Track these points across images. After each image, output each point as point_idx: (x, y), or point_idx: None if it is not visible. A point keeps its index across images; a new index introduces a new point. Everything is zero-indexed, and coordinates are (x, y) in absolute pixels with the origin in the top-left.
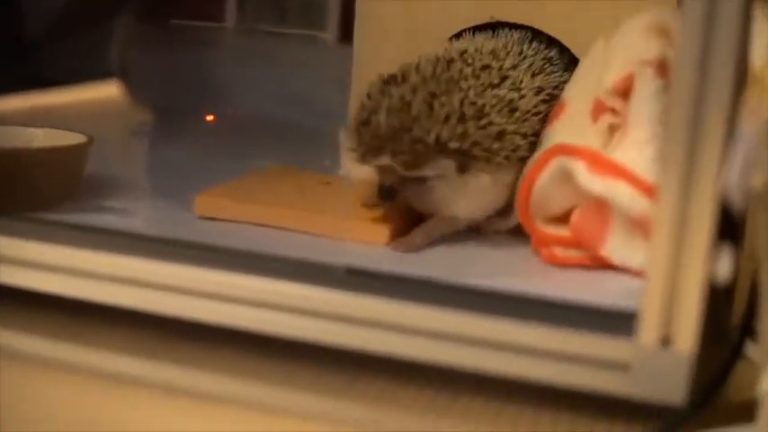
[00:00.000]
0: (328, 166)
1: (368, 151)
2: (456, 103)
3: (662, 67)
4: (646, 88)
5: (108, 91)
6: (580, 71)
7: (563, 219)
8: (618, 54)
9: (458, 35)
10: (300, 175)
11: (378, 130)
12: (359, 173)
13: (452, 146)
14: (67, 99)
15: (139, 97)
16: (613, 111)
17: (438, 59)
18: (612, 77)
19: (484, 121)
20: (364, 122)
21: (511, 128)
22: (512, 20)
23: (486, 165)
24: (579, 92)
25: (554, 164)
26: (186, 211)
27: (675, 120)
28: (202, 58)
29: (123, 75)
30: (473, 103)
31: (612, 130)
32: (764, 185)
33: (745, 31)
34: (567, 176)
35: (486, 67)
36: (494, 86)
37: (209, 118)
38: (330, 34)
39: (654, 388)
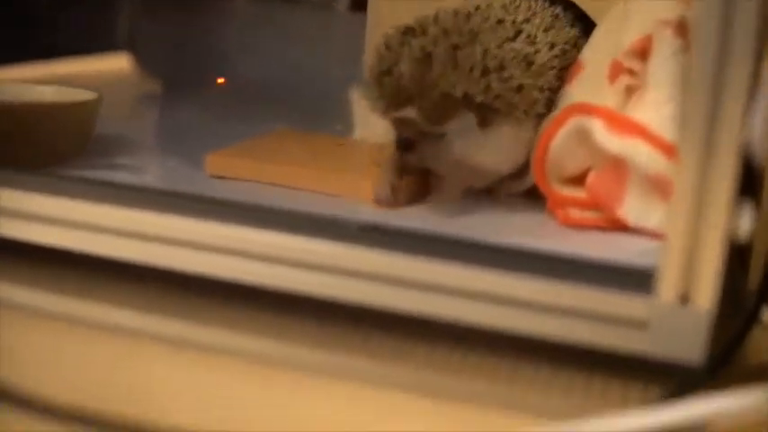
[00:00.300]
0: (340, 130)
1: (391, 103)
2: (479, 56)
3: (681, 28)
4: (664, 49)
5: (117, 62)
6: (598, 32)
7: (579, 180)
8: (636, 15)
9: None
10: (312, 138)
11: (401, 81)
12: (377, 125)
13: (478, 99)
14: (76, 69)
15: (149, 68)
16: (631, 72)
17: (457, 12)
18: (630, 38)
19: (505, 74)
20: (385, 72)
21: (529, 81)
22: None
23: (506, 119)
24: (597, 53)
25: (571, 123)
26: (197, 171)
27: (697, 76)
28: (212, 26)
29: (132, 46)
30: (494, 57)
31: (630, 91)
32: None
33: None
34: (583, 136)
35: (500, 21)
36: (510, 40)
37: (220, 80)
38: (341, 2)
39: (672, 346)
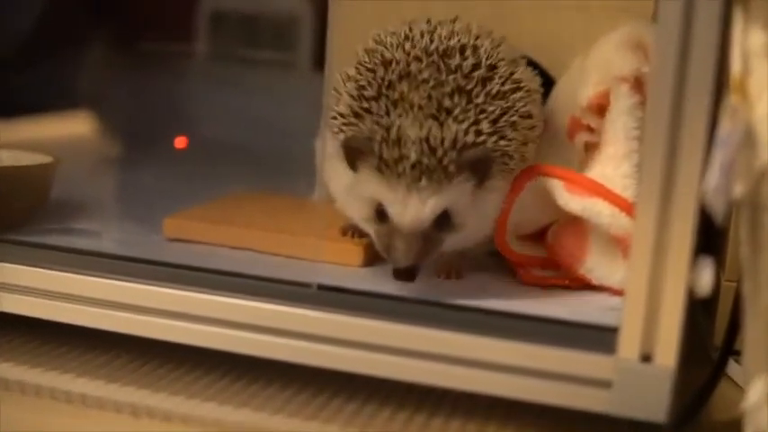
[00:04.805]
0: (301, 191)
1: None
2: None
3: (638, 83)
4: (621, 104)
5: (77, 120)
6: (557, 89)
7: (539, 238)
8: (593, 71)
9: None
10: (271, 199)
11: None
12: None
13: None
14: (36, 130)
15: (110, 126)
16: (589, 128)
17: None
18: (588, 94)
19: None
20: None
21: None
22: None
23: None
24: (556, 109)
25: (530, 185)
26: (155, 234)
27: (653, 133)
28: (173, 85)
29: (93, 103)
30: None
31: (589, 147)
32: (745, 195)
33: (724, 40)
34: (542, 195)
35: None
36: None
37: (181, 141)
38: (303, 60)
39: (636, 405)
